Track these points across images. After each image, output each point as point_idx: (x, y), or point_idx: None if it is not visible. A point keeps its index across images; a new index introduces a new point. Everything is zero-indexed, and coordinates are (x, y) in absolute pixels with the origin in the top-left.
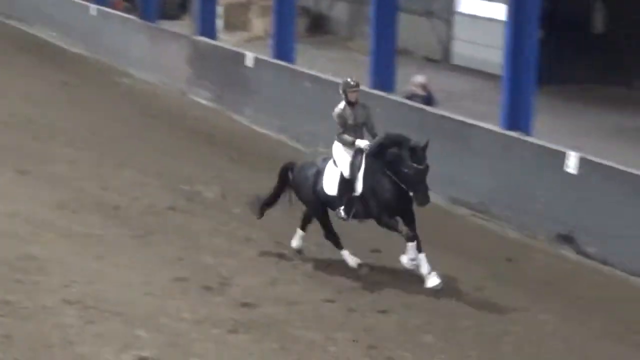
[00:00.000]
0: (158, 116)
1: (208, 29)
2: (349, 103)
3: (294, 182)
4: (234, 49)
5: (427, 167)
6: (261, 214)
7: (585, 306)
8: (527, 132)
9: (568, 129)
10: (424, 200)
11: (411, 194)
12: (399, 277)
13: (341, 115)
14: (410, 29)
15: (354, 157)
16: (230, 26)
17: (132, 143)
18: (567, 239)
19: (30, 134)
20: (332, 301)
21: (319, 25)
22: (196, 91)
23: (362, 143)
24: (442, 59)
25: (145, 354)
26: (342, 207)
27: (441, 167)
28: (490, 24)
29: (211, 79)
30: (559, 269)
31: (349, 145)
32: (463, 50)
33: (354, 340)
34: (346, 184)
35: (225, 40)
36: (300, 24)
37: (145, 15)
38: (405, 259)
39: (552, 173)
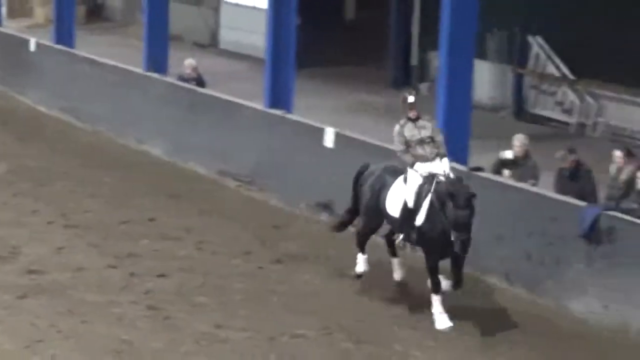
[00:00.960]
0: None
1: None
2: (409, 119)
3: (357, 188)
4: (18, 34)
5: (468, 214)
6: (341, 226)
7: (341, 266)
8: (288, 110)
9: (324, 107)
10: (461, 249)
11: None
12: (176, 244)
13: (400, 133)
14: (181, 17)
15: (421, 185)
16: (13, 13)
17: None
18: (325, 207)
19: None
20: (114, 267)
21: (96, 12)
22: None
23: (424, 169)
24: (210, 44)
25: None
26: (402, 235)
27: (210, 143)
28: (254, 12)
29: None
30: (318, 234)
31: (409, 165)
32: (229, 36)
33: (134, 302)
34: (409, 212)
35: (9, 27)
36: (79, 11)
37: None
38: (434, 311)
39: (311, 147)
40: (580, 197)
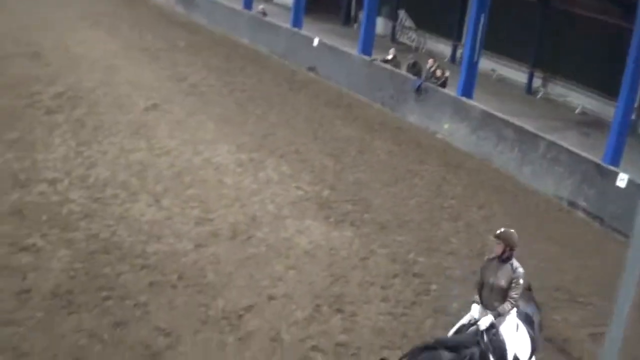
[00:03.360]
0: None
1: None
2: (497, 258)
3: None
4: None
5: None
6: None
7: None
8: (300, 28)
9: (314, 29)
10: None
11: None
12: (247, 78)
13: (482, 268)
14: None
15: (463, 324)
16: None
17: (116, 18)
18: (311, 69)
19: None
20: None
21: None
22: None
23: (475, 311)
24: (272, 0)
25: None
26: None
27: (266, 40)
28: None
29: None
30: (306, 78)
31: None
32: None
33: (227, 96)
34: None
35: None
36: None
37: None
38: None
39: (308, 45)
40: (415, 75)
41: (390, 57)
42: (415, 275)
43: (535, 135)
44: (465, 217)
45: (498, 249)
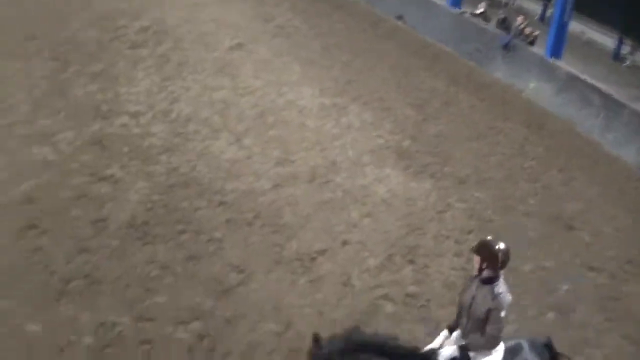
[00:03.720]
0: None
1: None
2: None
3: None
4: None
5: None
6: None
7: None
8: None
9: None
10: None
11: None
12: (335, 23)
13: (463, 289)
14: None
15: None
16: None
17: None
18: (399, 17)
19: None
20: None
21: None
22: None
23: (440, 338)
24: None
25: None
26: None
27: None
28: None
29: None
30: (394, 26)
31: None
32: None
33: (320, 50)
34: None
35: None
36: None
37: None
38: None
39: None
40: (504, 31)
41: (479, 11)
42: (490, 232)
43: (620, 103)
44: (545, 179)
45: (475, 262)
